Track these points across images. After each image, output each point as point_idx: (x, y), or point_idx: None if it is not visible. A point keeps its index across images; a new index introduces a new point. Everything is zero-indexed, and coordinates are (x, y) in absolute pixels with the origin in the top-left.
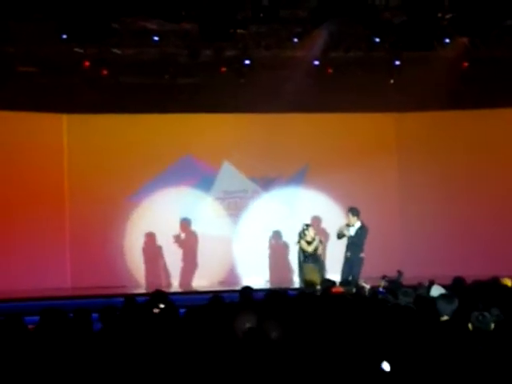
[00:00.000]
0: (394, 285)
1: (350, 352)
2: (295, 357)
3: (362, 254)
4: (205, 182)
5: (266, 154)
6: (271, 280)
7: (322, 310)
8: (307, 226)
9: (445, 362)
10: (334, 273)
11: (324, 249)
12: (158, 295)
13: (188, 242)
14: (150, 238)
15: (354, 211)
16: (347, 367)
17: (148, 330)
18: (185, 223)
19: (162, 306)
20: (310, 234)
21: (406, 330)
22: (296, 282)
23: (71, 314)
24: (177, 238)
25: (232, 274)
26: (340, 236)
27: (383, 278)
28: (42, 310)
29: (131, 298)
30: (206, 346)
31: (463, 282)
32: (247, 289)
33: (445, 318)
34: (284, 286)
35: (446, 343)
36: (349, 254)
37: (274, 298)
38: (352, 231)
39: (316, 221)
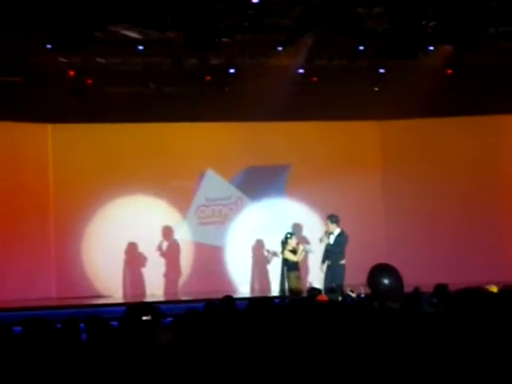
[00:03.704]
0: (381, 292)
1: (343, 358)
2: (285, 364)
3: (343, 261)
4: (189, 189)
5: (250, 162)
6: (255, 288)
7: (312, 317)
8: (290, 234)
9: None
10: (314, 281)
11: (306, 256)
12: (144, 306)
13: (172, 250)
14: (135, 247)
15: (332, 218)
16: (341, 372)
17: (140, 340)
18: (169, 232)
19: (146, 317)
20: (292, 243)
21: (396, 333)
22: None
23: (58, 325)
24: (161, 247)
25: (220, 283)
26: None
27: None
28: (25, 320)
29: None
30: (199, 355)
31: (446, 289)
32: (228, 298)
33: None
34: (268, 294)
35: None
36: (329, 262)
37: (260, 307)
38: (331, 239)
39: (299, 229)
